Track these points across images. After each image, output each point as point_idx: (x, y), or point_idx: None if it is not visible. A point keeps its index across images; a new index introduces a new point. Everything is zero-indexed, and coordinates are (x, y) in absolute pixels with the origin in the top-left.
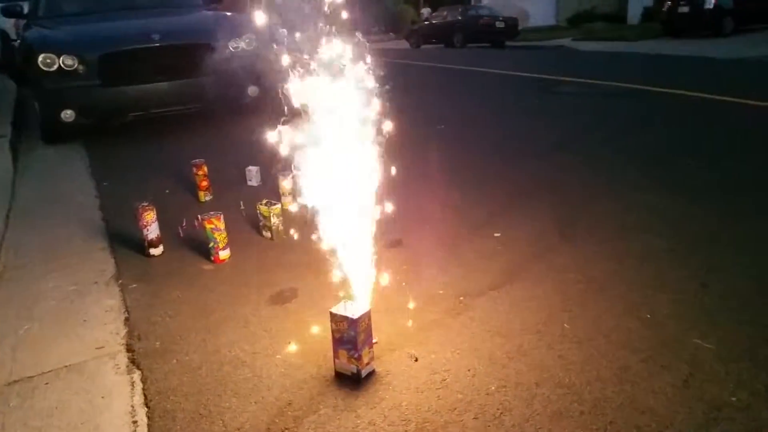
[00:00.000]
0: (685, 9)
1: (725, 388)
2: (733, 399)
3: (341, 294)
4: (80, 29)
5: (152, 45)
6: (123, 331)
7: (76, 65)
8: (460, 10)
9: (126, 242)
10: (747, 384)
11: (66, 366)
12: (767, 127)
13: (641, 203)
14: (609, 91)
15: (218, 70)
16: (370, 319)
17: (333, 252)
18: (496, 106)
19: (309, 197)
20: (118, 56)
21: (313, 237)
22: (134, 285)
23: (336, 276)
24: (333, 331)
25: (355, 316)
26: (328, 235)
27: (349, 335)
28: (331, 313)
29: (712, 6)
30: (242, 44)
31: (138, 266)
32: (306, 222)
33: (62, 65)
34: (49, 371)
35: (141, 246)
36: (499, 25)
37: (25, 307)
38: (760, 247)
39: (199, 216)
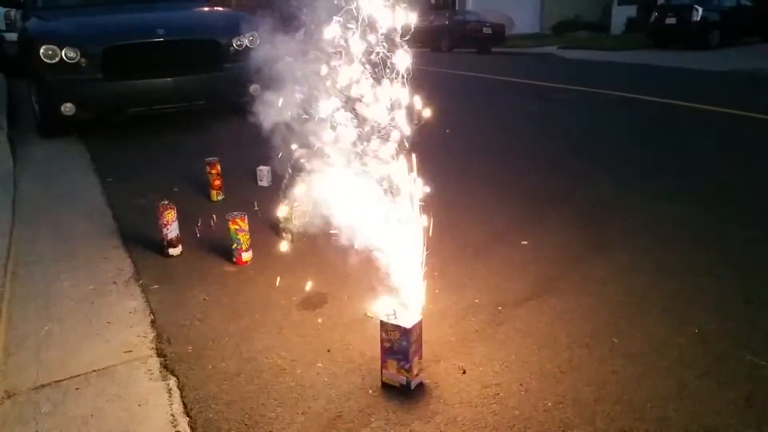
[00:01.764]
0: (672, 20)
1: None
2: None
3: (367, 311)
4: (83, 21)
5: (157, 40)
6: (151, 335)
7: (78, 58)
8: (447, 15)
9: (140, 241)
10: None
11: (95, 370)
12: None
13: (666, 214)
14: (606, 99)
15: (222, 67)
16: (421, 329)
17: (372, 259)
18: (498, 112)
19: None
20: (121, 50)
21: (335, 241)
22: (156, 286)
23: (375, 283)
24: (382, 341)
25: (408, 326)
26: (360, 242)
27: (401, 345)
28: (381, 322)
29: (699, 19)
30: (246, 41)
31: (157, 266)
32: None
33: (64, 57)
34: (78, 375)
35: (157, 245)
36: (486, 30)
37: (43, 306)
38: None
39: (214, 216)
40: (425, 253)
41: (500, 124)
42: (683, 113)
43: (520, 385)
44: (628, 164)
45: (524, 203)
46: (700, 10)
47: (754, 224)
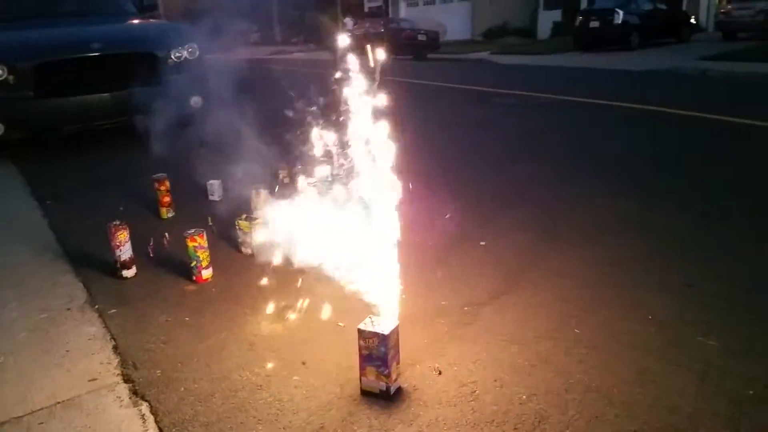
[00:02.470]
0: (595, 24)
1: (739, 382)
2: (750, 392)
3: (339, 321)
4: (10, 36)
5: (92, 54)
6: (115, 360)
7: (5, 75)
8: (382, 22)
9: (90, 264)
10: (758, 377)
11: (59, 402)
12: (702, 132)
13: (610, 208)
14: (543, 102)
15: (161, 79)
16: (398, 335)
17: (339, 268)
18: (442, 118)
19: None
20: (54, 66)
21: (295, 253)
22: (113, 310)
23: (344, 292)
24: (360, 348)
25: (386, 332)
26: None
27: (379, 352)
28: (359, 329)
29: (620, 22)
30: (185, 53)
31: (112, 289)
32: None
33: None
34: (40, 409)
35: (110, 267)
36: (421, 38)
37: None
38: (735, 247)
39: (166, 234)
40: (398, 257)
41: (444, 129)
42: (617, 112)
43: (495, 381)
44: (571, 163)
45: (477, 205)
46: (621, 13)
47: (691, 213)
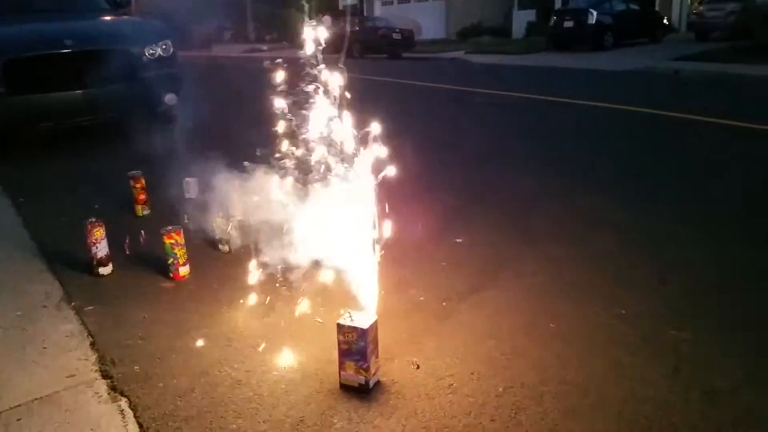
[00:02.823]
0: (569, 24)
1: (711, 375)
2: (722, 384)
3: (316, 317)
4: None
5: (65, 51)
6: (92, 357)
7: None
8: (357, 21)
9: (66, 261)
10: (728, 370)
11: (36, 399)
12: (676, 131)
13: (585, 206)
14: (518, 102)
15: (135, 77)
16: (377, 329)
17: (318, 263)
18: (418, 115)
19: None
20: (26, 62)
21: (270, 250)
22: (90, 307)
23: (322, 287)
24: (340, 343)
25: (365, 327)
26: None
27: (358, 346)
28: (338, 324)
29: (594, 22)
30: (159, 50)
31: (88, 287)
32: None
33: None
34: (18, 406)
35: (86, 264)
36: (396, 36)
37: None
38: (708, 244)
39: (142, 232)
40: (379, 251)
41: (420, 128)
42: (590, 111)
43: (472, 374)
44: (545, 161)
45: (454, 203)
46: (595, 13)
47: (666, 210)
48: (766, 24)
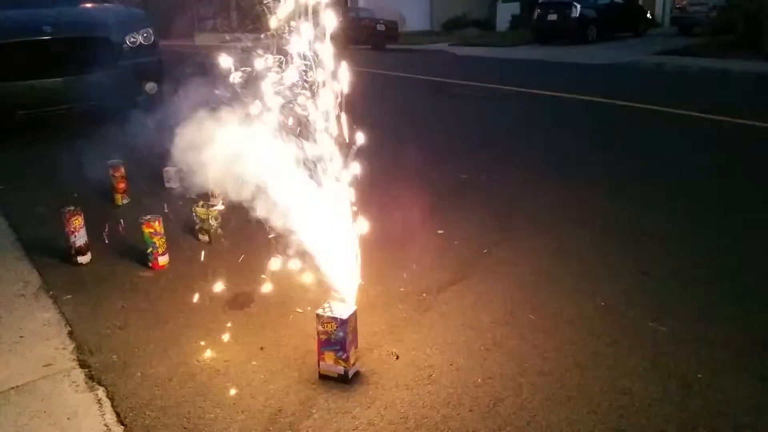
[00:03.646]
0: (553, 17)
1: (689, 366)
2: (699, 376)
3: (296, 307)
4: None
5: (44, 38)
6: (70, 346)
7: None
8: (340, 11)
9: (44, 250)
10: (706, 361)
11: (13, 387)
12: (660, 125)
13: (565, 197)
14: (501, 94)
15: (115, 65)
16: (356, 319)
17: (297, 254)
18: (402, 107)
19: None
20: (4, 50)
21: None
22: (68, 296)
23: (301, 278)
24: (319, 333)
25: (344, 317)
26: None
27: (338, 336)
28: (317, 314)
29: (577, 15)
30: (140, 39)
31: (67, 275)
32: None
33: None
34: None
35: (64, 253)
36: (380, 27)
37: None
38: (690, 237)
39: (121, 221)
40: (356, 243)
41: (404, 119)
42: (573, 104)
43: (451, 365)
44: (526, 153)
45: (435, 194)
46: (579, 7)
47: (646, 205)
48: (747, 20)
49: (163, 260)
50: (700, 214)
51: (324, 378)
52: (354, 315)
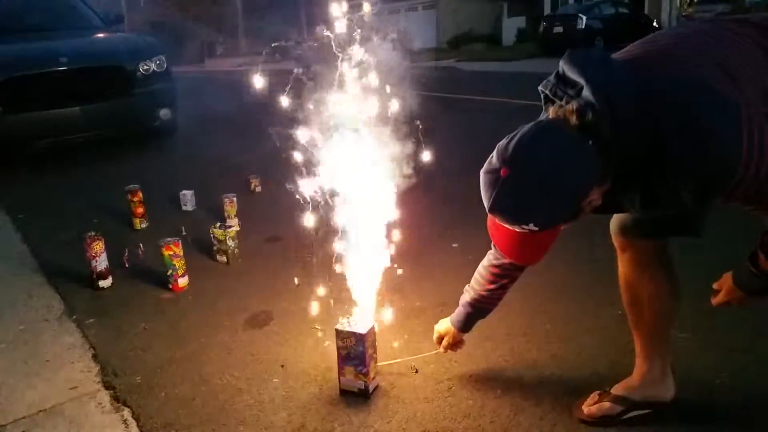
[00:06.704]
0: (559, 29)
1: (709, 373)
2: (718, 381)
3: (315, 324)
4: None
5: (61, 68)
6: (95, 369)
7: None
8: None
9: (67, 275)
10: (725, 368)
11: (41, 411)
12: None
13: None
14: (510, 108)
15: (130, 92)
16: (375, 334)
17: (313, 272)
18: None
19: None
20: (22, 81)
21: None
22: (91, 320)
23: (318, 295)
24: (339, 348)
25: (363, 332)
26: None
27: (357, 351)
28: (336, 330)
29: (583, 27)
30: (153, 66)
31: (89, 300)
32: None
33: None
34: (23, 418)
35: (86, 278)
36: None
37: None
38: (708, 246)
39: (141, 245)
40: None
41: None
42: None
43: (470, 377)
44: None
45: (448, 208)
46: (584, 18)
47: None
48: None
49: (183, 282)
50: (714, 221)
51: (345, 393)
52: (373, 330)
